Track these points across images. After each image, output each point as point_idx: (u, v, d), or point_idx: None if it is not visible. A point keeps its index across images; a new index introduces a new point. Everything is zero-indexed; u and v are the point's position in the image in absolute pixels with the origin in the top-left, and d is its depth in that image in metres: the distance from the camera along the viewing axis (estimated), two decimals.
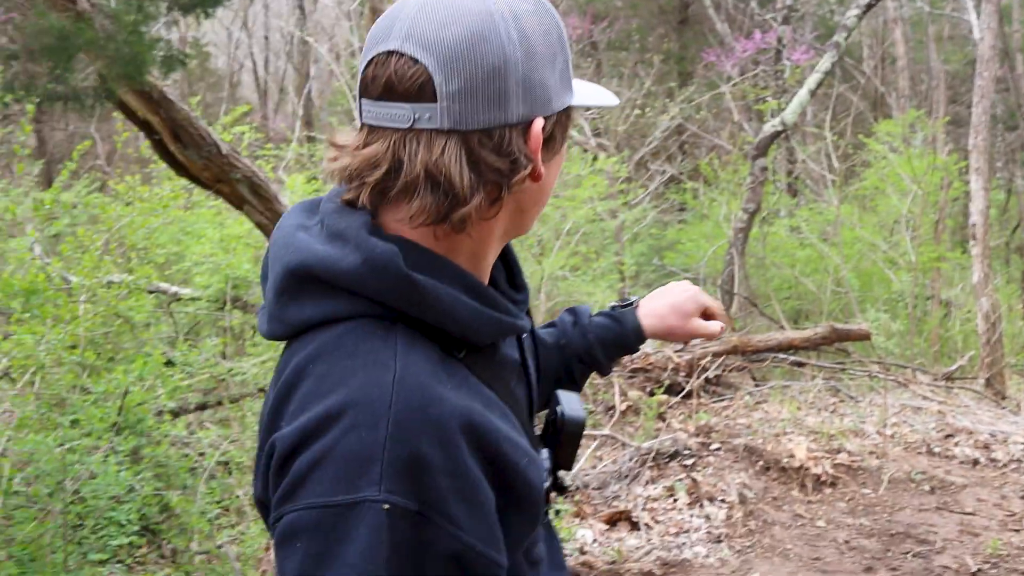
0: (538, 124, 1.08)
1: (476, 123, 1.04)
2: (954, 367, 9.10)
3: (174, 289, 7.44)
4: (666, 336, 1.67)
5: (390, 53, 1.05)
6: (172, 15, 3.87)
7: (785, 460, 5.72)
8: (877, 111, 21.08)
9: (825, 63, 8.85)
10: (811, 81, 8.79)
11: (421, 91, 1.03)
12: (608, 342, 1.65)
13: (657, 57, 15.35)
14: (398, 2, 1.11)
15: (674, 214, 14.47)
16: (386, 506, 0.93)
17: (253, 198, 4.51)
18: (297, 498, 0.96)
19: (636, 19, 19.51)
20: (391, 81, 1.05)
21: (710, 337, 1.70)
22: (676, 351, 7.44)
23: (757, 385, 7.82)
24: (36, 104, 4.75)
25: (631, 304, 1.69)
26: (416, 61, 1.03)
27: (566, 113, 1.15)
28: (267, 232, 4.73)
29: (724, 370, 7.72)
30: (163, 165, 6.60)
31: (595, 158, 10.41)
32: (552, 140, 1.13)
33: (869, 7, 9.10)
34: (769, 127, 8.77)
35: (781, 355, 8.19)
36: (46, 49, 3.57)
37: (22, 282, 4.23)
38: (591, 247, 10.03)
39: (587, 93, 1.20)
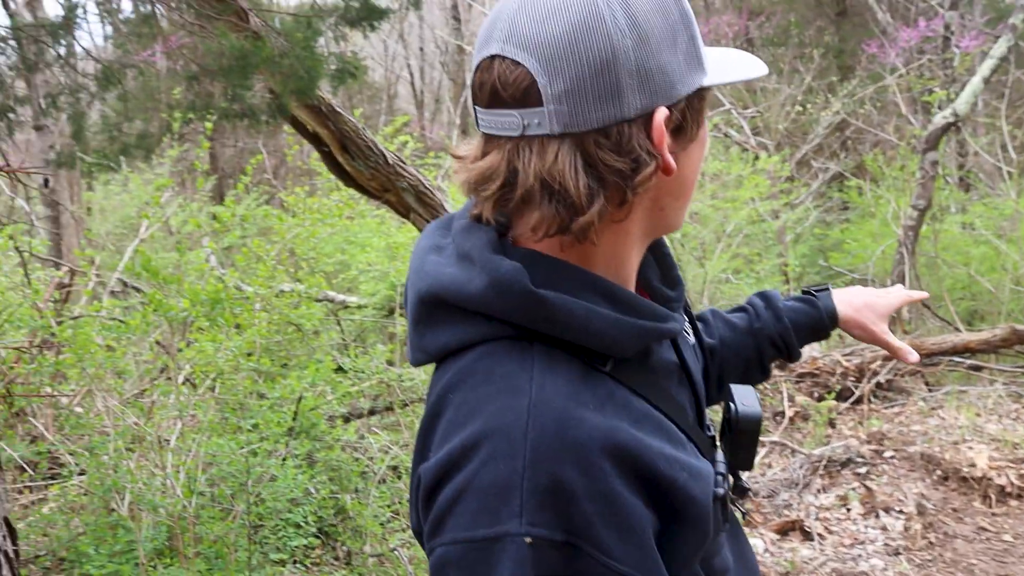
0: (660, 115, 0.99)
1: (589, 123, 0.97)
2: None
3: (341, 297, 7.69)
4: (858, 328, 1.63)
5: (493, 57, 1.00)
6: (339, 30, 3.98)
7: (965, 469, 5.46)
8: None
9: (1000, 48, 8.41)
10: (984, 68, 8.36)
11: (526, 95, 0.97)
12: (802, 325, 1.61)
13: (817, 51, 14.92)
14: (498, 6, 1.05)
15: (837, 213, 14.03)
16: (528, 539, 0.89)
17: (419, 206, 4.61)
18: (443, 532, 0.94)
19: (793, 13, 19.05)
20: (496, 87, 0.99)
21: (896, 354, 1.62)
22: (844, 355, 7.22)
23: (931, 390, 7.50)
24: (213, 122, 4.97)
25: (825, 289, 1.65)
26: (518, 64, 0.97)
27: (698, 95, 1.06)
28: None
29: (896, 375, 7.44)
30: (328, 177, 6.85)
31: (756, 157, 10.21)
32: (683, 128, 1.05)
33: None
34: (940, 119, 8.40)
35: (956, 358, 7.84)
36: (225, 69, 3.75)
37: (207, 292, 4.44)
38: (753, 249, 9.85)
39: (725, 68, 1.10)
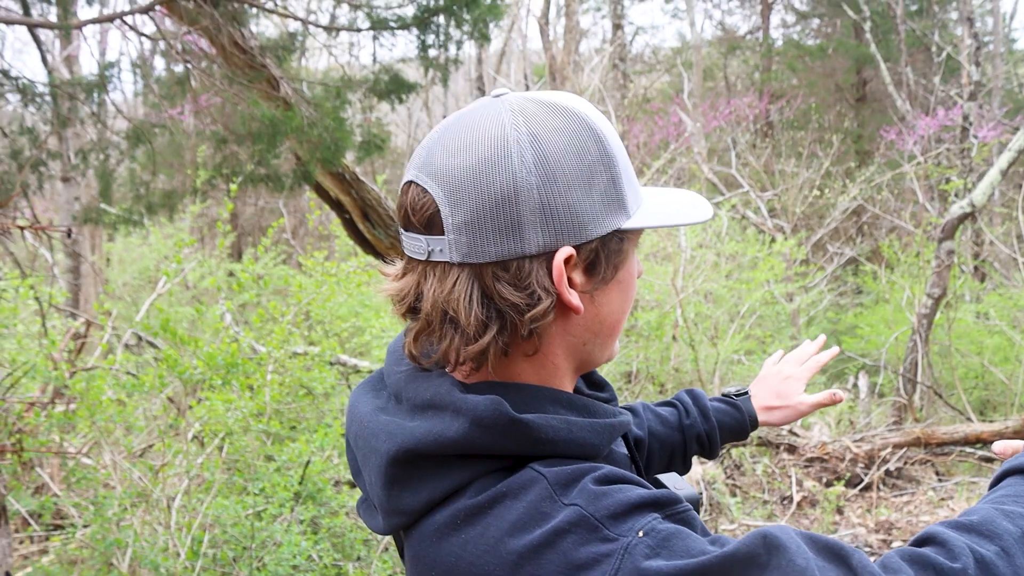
0: (562, 253, 0.99)
1: (488, 255, 0.98)
2: None
3: (353, 361, 7.69)
4: (781, 421, 1.73)
5: (409, 183, 1.03)
6: (367, 101, 4.06)
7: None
8: None
9: (1019, 140, 8.47)
10: (1003, 160, 8.41)
11: (431, 223, 1.00)
12: (728, 427, 1.68)
13: (836, 136, 15.07)
14: (433, 129, 1.08)
15: (851, 297, 14.05)
16: None
17: None
18: None
19: (813, 98, 19.27)
20: (408, 212, 1.03)
21: (824, 404, 1.71)
22: (855, 441, 7.18)
23: (941, 480, 7.43)
24: (238, 183, 5.04)
25: (745, 393, 1.73)
26: (426, 191, 1.00)
27: (617, 236, 1.05)
28: None
29: (905, 462, 7.39)
30: (347, 241, 6.89)
31: (772, 240, 10.25)
32: (596, 266, 1.04)
33: None
34: (957, 208, 8.44)
35: (968, 449, 7.77)
36: (255, 135, 3.82)
37: (226, 356, 4.47)
38: (766, 331, 9.85)
39: (659, 210, 1.10)
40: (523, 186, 0.97)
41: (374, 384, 1.17)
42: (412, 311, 1.05)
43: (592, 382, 1.29)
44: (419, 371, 1.07)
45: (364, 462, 1.08)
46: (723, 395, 1.74)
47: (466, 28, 3.50)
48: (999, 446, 1.38)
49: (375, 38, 3.80)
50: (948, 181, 11.78)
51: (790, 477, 6.60)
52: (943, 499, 6.82)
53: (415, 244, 1.03)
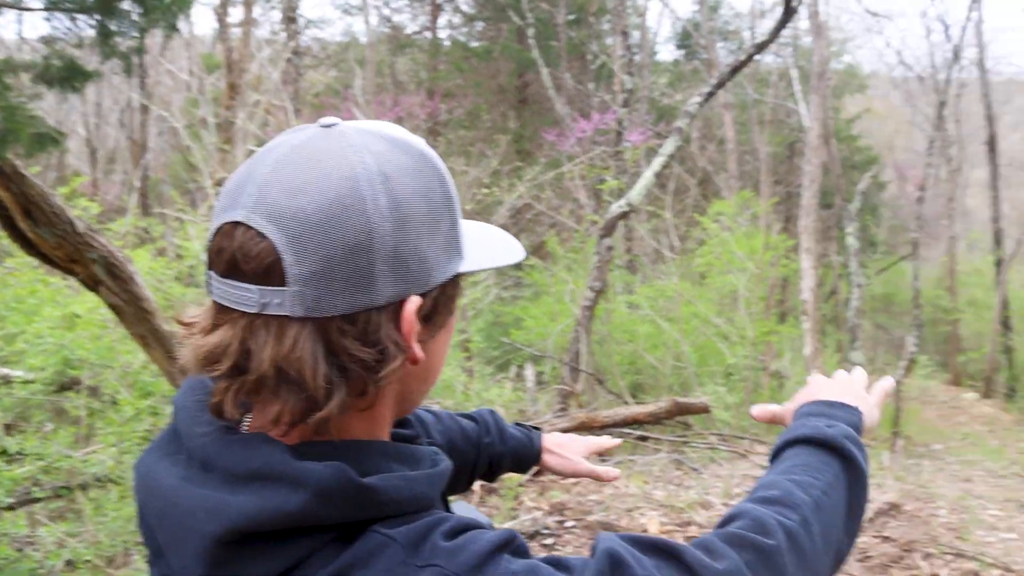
0: (412, 304, 0.91)
1: (335, 309, 0.87)
2: None
3: (4, 371, 7.07)
4: (559, 467, 1.69)
5: (236, 224, 0.89)
6: (36, 89, 3.70)
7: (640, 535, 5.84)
8: (707, 190, 22.10)
9: (669, 146, 9.24)
10: (656, 163, 9.14)
11: (269, 272, 0.87)
12: (519, 454, 1.66)
13: (504, 137, 15.69)
14: (254, 157, 0.94)
15: (514, 291, 14.70)
16: None
17: (108, 279, 4.32)
18: None
19: (479, 98, 19.91)
20: (235, 258, 0.88)
21: (600, 477, 1.70)
22: None
23: (604, 460, 7.96)
24: None
25: (538, 429, 1.71)
26: (263, 237, 0.87)
27: (453, 282, 0.99)
28: (121, 314, 4.56)
29: None
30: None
31: None
32: (434, 315, 0.98)
33: (710, 95, 9.58)
34: (616, 207, 9.06)
35: (626, 430, 8.37)
36: None
37: None
38: None
39: (483, 250, 1.05)
40: (377, 232, 0.88)
41: (166, 448, 1.00)
42: (234, 370, 0.89)
43: (401, 421, 1.23)
44: (229, 434, 0.94)
45: (173, 544, 0.92)
46: (517, 424, 1.70)
47: (155, 16, 3.29)
48: (757, 410, 1.49)
49: (48, 19, 3.47)
50: (603, 181, 12.59)
51: None
52: None
53: (241, 294, 0.88)
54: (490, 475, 1.67)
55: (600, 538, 0.97)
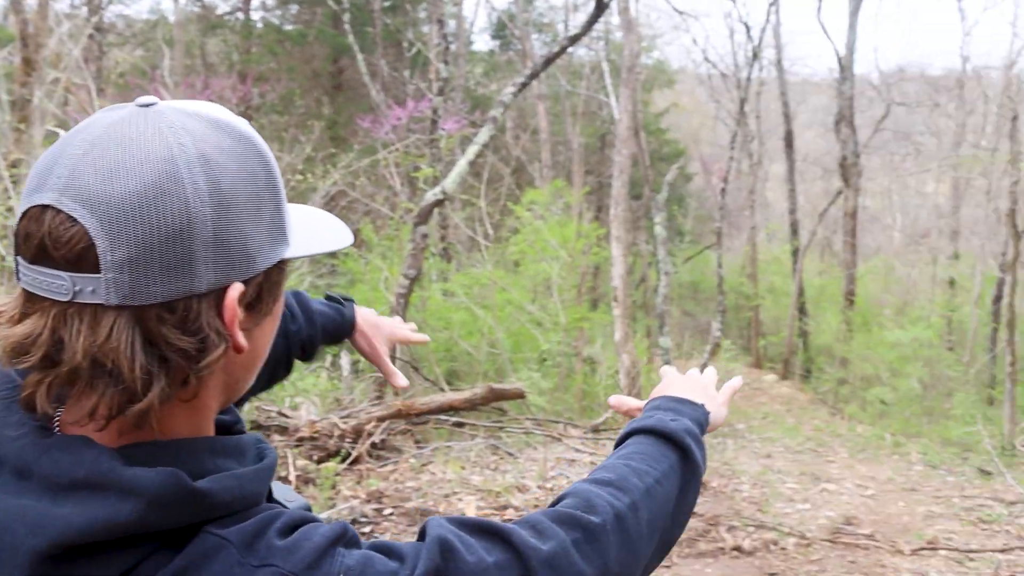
0: (234, 291, 0.89)
1: (153, 296, 0.84)
2: (600, 420, 9.83)
3: None
4: (366, 342, 1.74)
5: (44, 208, 0.85)
6: None
7: (468, 517, 5.90)
8: (520, 179, 22.44)
9: (484, 136, 9.32)
10: (470, 152, 9.20)
11: (81, 259, 0.83)
12: (329, 332, 1.68)
13: (318, 123, 15.45)
14: (65, 136, 0.90)
15: (328, 279, 14.54)
16: None
17: None
18: None
19: (293, 83, 19.54)
20: (45, 244, 0.84)
21: (390, 377, 1.74)
22: (342, 418, 7.46)
23: (420, 447, 7.98)
24: None
25: (351, 300, 1.75)
26: (75, 221, 0.83)
27: (278, 267, 0.97)
28: None
29: (389, 434, 7.82)
30: None
31: None
32: (259, 302, 0.95)
33: (524, 85, 9.70)
34: (431, 195, 9.07)
35: (443, 416, 8.43)
36: None
37: None
38: None
39: (309, 235, 1.03)
40: (197, 217, 0.85)
41: None
42: (46, 362, 0.85)
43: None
44: (45, 435, 0.89)
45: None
46: (327, 296, 1.71)
47: None
48: (614, 400, 1.54)
49: None
50: (418, 169, 12.60)
51: (285, 458, 6.70)
52: (424, 465, 7.33)
53: (51, 282, 0.84)
54: (305, 357, 1.68)
55: (429, 523, 0.98)
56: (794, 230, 22.71)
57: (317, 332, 1.65)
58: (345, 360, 10.55)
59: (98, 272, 0.83)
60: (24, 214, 0.86)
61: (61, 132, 9.72)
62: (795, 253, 22.11)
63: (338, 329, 1.70)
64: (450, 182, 9.00)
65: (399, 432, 8.06)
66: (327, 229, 1.08)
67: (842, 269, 21.48)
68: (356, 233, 13.79)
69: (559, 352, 11.83)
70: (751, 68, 21.34)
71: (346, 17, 18.88)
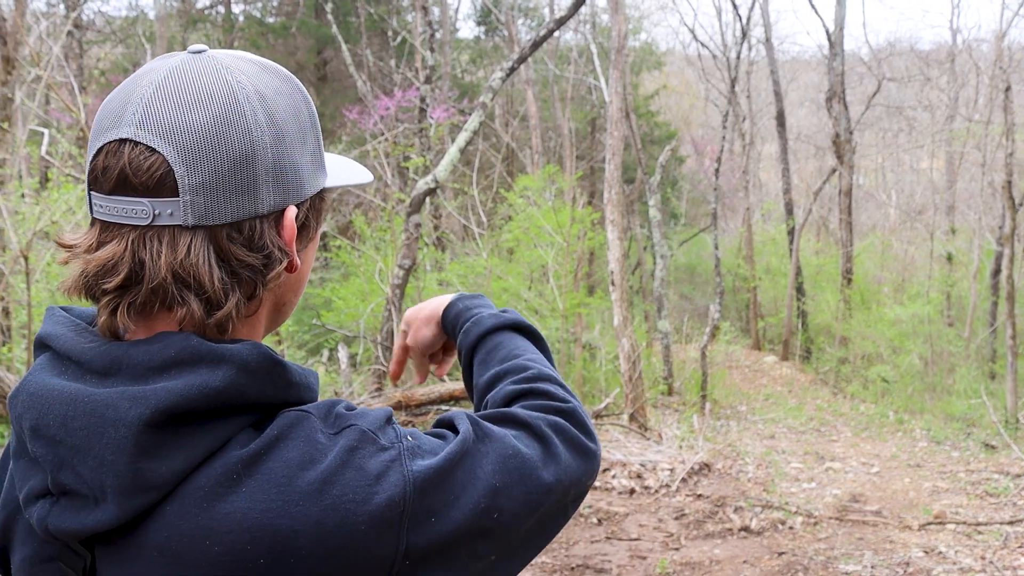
0: (291, 213, 1.00)
1: (224, 217, 0.94)
2: (602, 405, 9.75)
3: None
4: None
5: (123, 141, 0.93)
6: None
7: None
8: (511, 166, 22.33)
9: (473, 122, 9.20)
10: (460, 139, 9.08)
11: (161, 185, 0.92)
12: None
13: None
14: (129, 81, 0.99)
15: (321, 272, 14.44)
16: None
17: None
18: None
19: None
20: (125, 173, 0.93)
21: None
22: None
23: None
24: None
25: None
26: (153, 151, 0.92)
27: (320, 196, 1.08)
28: None
29: None
30: None
31: None
32: (307, 227, 1.06)
33: (513, 69, 9.58)
34: (423, 184, 8.96)
35: (444, 407, 8.35)
36: None
37: None
38: None
39: (341, 171, 1.14)
40: (259, 144, 0.95)
41: (51, 369, 0.97)
42: (129, 280, 0.93)
43: None
44: (136, 340, 0.95)
45: (85, 446, 0.89)
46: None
47: None
48: (394, 368, 1.58)
49: None
50: (408, 159, 12.49)
51: None
52: None
53: (131, 208, 0.93)
54: None
55: (454, 415, 1.08)
56: (789, 210, 22.59)
57: None
58: (343, 353, 10.47)
59: (176, 196, 0.92)
60: (99, 150, 0.95)
61: (44, 131, 9.59)
62: (791, 233, 21.98)
63: None
64: (441, 170, 8.90)
65: (400, 423, 7.96)
66: (351, 166, 1.18)
67: (839, 248, 21.43)
68: (348, 225, 13.69)
69: (558, 339, 11.72)
70: (740, 47, 21.19)
71: (329, 7, 18.69)
